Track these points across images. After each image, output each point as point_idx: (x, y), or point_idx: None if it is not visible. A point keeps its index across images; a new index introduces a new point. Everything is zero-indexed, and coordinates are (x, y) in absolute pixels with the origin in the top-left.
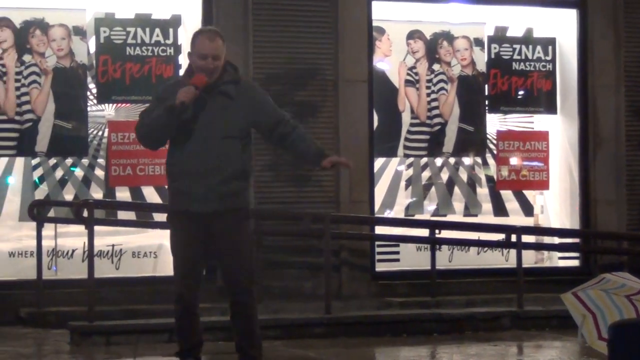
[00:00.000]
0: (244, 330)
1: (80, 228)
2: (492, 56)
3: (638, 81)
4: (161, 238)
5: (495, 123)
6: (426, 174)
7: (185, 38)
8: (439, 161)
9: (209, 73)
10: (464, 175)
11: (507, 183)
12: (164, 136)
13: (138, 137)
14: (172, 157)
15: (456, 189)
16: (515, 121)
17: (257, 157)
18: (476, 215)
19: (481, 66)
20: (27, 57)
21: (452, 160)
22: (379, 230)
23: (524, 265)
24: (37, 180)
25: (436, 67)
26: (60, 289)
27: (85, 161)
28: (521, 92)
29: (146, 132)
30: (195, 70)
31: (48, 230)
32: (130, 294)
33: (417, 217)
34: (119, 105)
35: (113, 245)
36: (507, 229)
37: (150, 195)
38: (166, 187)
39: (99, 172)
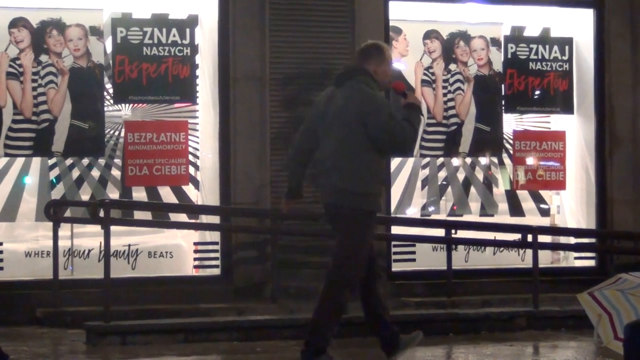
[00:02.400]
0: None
1: (97, 228)
2: (509, 56)
3: None
4: (177, 238)
5: (511, 123)
6: (442, 174)
7: (201, 38)
8: (455, 161)
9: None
10: (480, 175)
11: (523, 183)
12: None
13: (411, 145)
14: (380, 162)
15: (472, 189)
16: (532, 121)
17: (272, 156)
18: (492, 215)
19: (498, 66)
20: (44, 57)
21: (468, 160)
22: (395, 230)
23: (540, 265)
24: (53, 180)
25: (453, 67)
26: (77, 289)
27: (101, 161)
28: (538, 92)
29: (414, 137)
30: (383, 81)
31: (64, 230)
32: (146, 294)
33: (434, 217)
34: (136, 105)
35: (129, 245)
36: (524, 229)
37: (167, 195)
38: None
39: (116, 172)
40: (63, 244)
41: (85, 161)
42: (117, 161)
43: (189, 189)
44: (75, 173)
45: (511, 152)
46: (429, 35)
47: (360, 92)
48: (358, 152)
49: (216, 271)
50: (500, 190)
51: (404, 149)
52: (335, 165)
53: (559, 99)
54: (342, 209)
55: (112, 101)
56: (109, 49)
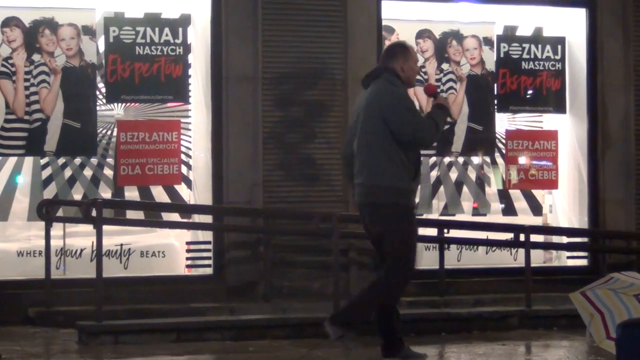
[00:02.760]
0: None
1: (89, 227)
2: (502, 55)
3: None
4: (170, 237)
5: (504, 122)
6: (435, 173)
7: (194, 37)
8: (447, 160)
9: None
10: (472, 175)
11: (516, 182)
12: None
13: (431, 139)
14: (407, 157)
15: (465, 189)
16: (524, 120)
17: (265, 156)
18: (485, 215)
19: (490, 65)
20: (36, 57)
21: (461, 159)
22: None
23: (533, 265)
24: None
25: (445, 66)
26: (69, 288)
27: (94, 160)
28: (530, 92)
29: (435, 133)
30: (410, 77)
31: (57, 229)
32: (138, 294)
33: (426, 216)
34: (128, 104)
35: (121, 245)
36: (516, 229)
37: (159, 194)
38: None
39: (108, 172)
40: (55, 243)
41: (78, 160)
42: (110, 160)
43: (182, 189)
44: (68, 172)
45: (504, 151)
46: (422, 34)
47: (382, 89)
48: (383, 148)
49: (208, 270)
50: (492, 189)
51: (422, 144)
52: (364, 163)
53: (551, 99)
54: (372, 206)
55: (104, 100)
56: (102, 49)
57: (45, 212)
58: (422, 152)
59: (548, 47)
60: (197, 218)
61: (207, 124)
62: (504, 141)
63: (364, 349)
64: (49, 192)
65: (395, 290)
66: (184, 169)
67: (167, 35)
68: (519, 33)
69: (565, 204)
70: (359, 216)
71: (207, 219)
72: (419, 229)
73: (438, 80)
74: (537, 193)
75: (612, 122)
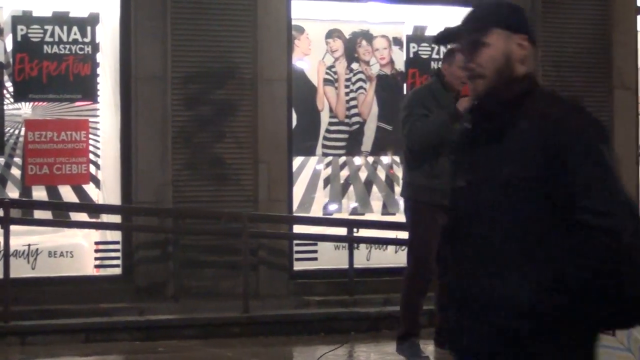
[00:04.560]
0: None
1: None
2: (411, 55)
3: None
4: (78, 237)
5: None
6: (344, 173)
7: (103, 36)
8: (357, 160)
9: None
10: (382, 174)
11: None
12: (435, 139)
13: (414, 144)
14: (420, 155)
15: (374, 188)
16: None
17: (174, 155)
18: (394, 214)
19: (400, 65)
20: None
21: (370, 159)
22: (297, 229)
23: None
24: None
25: (355, 66)
26: None
27: (1, 160)
28: None
29: (422, 135)
30: (451, 82)
31: None
32: (46, 294)
33: (336, 216)
34: (36, 103)
35: (29, 245)
36: None
37: (67, 194)
38: None
39: (15, 171)
40: None
41: None
42: (17, 160)
43: (90, 188)
44: None
45: None
46: (332, 34)
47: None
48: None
49: (117, 271)
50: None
51: (408, 144)
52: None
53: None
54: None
55: (12, 99)
56: (9, 47)
57: None
58: (332, 151)
59: None
60: (106, 218)
61: (116, 123)
62: None
63: (273, 347)
64: None
65: (408, 289)
66: (92, 169)
67: (75, 34)
68: (428, 33)
69: None
70: None
71: (116, 218)
72: (329, 228)
73: (348, 79)
74: None
75: None
